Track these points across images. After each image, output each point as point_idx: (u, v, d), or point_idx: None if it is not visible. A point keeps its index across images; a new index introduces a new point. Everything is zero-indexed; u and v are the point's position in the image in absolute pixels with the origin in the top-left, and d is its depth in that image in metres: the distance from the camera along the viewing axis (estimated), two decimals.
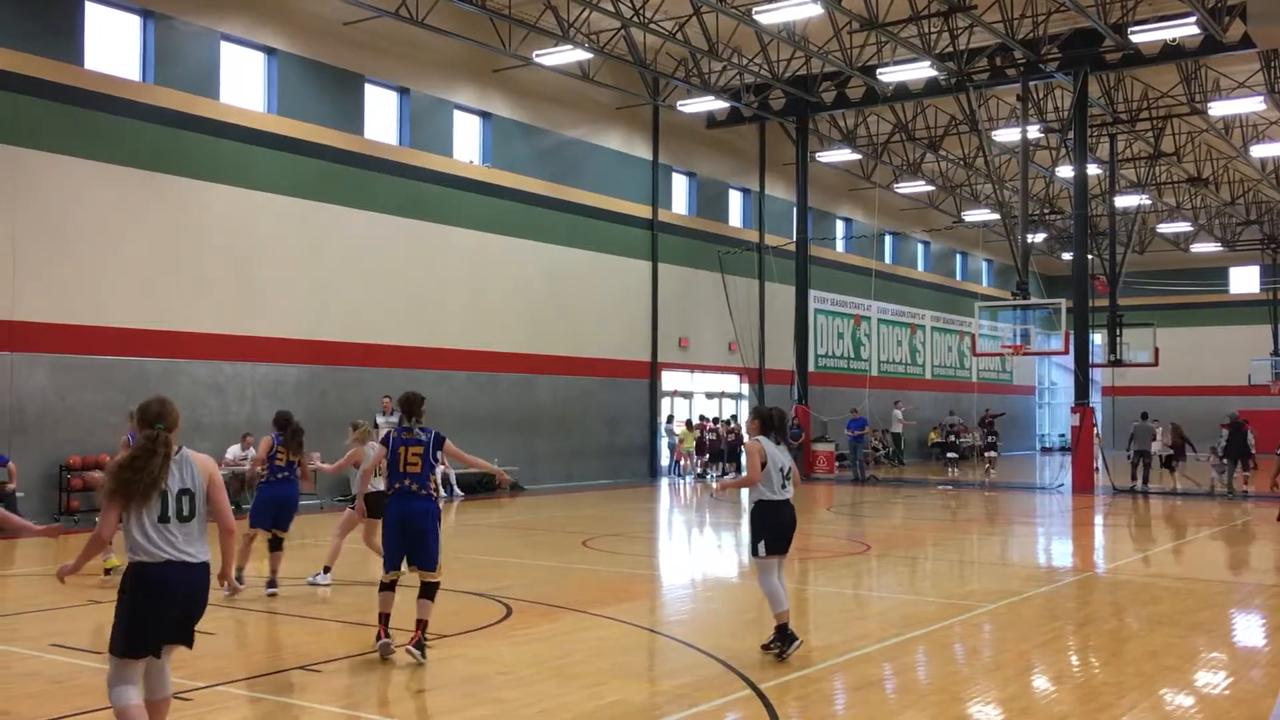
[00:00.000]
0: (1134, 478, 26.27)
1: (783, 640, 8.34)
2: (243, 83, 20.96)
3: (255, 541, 11.36)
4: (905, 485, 28.76)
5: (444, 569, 8.58)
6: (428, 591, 8.24)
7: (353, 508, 11.56)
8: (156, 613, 5.26)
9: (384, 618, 8.25)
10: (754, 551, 8.62)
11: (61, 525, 7.44)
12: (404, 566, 8.39)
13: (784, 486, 8.67)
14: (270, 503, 11.03)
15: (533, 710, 6.94)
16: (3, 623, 9.86)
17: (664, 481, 28.67)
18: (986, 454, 36.18)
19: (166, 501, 5.32)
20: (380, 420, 21.57)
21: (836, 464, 31.51)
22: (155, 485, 5.28)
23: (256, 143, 20.68)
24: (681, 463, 29.84)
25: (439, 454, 8.38)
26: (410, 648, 8.05)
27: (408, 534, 8.22)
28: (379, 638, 8.17)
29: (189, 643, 5.49)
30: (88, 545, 5.53)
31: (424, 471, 8.26)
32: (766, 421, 8.74)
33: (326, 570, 11.46)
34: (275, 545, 11.14)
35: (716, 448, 30.52)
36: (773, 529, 8.61)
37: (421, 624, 8.15)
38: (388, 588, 8.32)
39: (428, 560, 8.23)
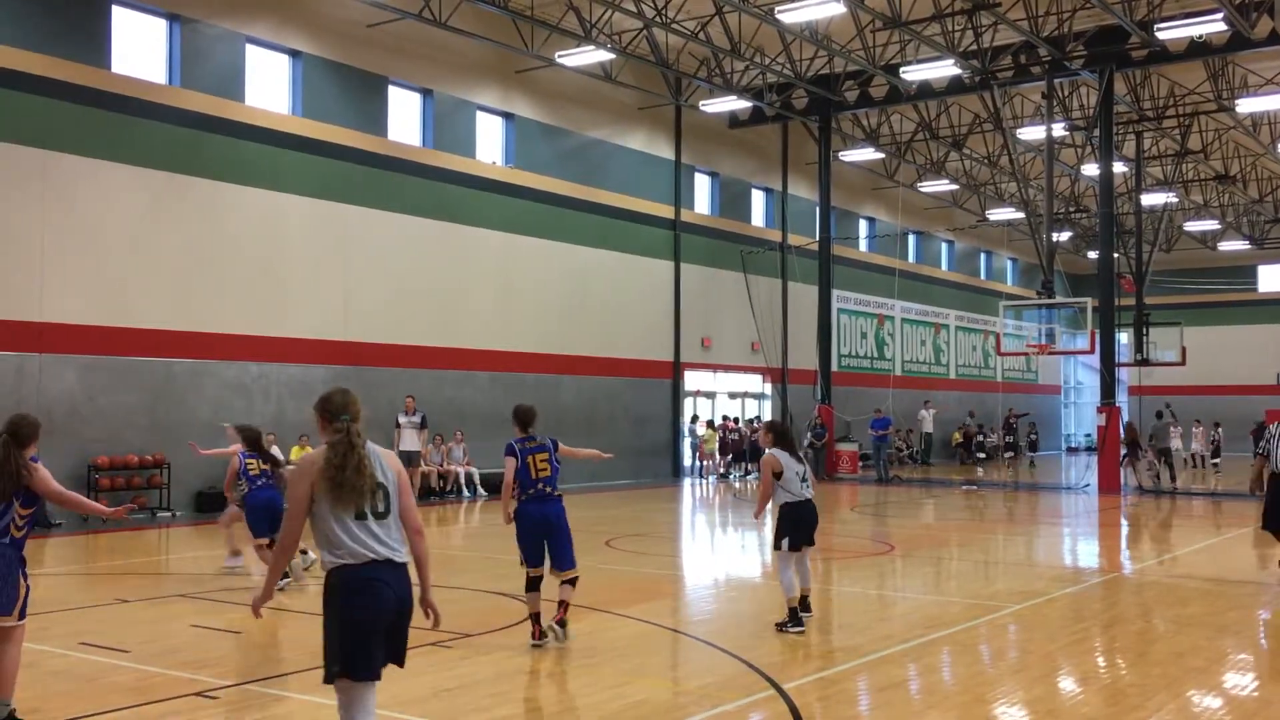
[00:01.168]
0: (1157, 478, 26.07)
1: (793, 620, 9.27)
2: (267, 85, 21.09)
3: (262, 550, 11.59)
4: (930, 485, 28.63)
5: (471, 570, 8.66)
6: (572, 583, 8.88)
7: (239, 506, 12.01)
8: (372, 618, 4.76)
9: (535, 617, 8.75)
10: (776, 546, 9.59)
11: (130, 506, 7.48)
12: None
13: (804, 488, 9.71)
14: (265, 509, 11.33)
15: (558, 710, 6.96)
16: (33, 621, 9.93)
17: (687, 482, 28.66)
18: (1005, 454, 36.12)
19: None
20: (402, 420, 21.65)
21: (860, 464, 31.42)
22: (370, 480, 4.87)
23: (281, 145, 20.81)
24: (703, 463, 29.83)
25: (556, 455, 9.03)
26: (554, 624, 8.69)
27: (549, 532, 8.83)
28: (535, 637, 8.64)
29: (400, 660, 4.94)
30: (276, 560, 5.14)
31: (554, 474, 8.93)
32: (781, 434, 9.85)
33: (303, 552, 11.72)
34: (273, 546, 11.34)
35: (739, 448, 30.49)
36: (794, 525, 9.59)
37: (564, 605, 8.76)
38: (535, 585, 8.82)
39: (568, 559, 8.86)
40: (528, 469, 8.83)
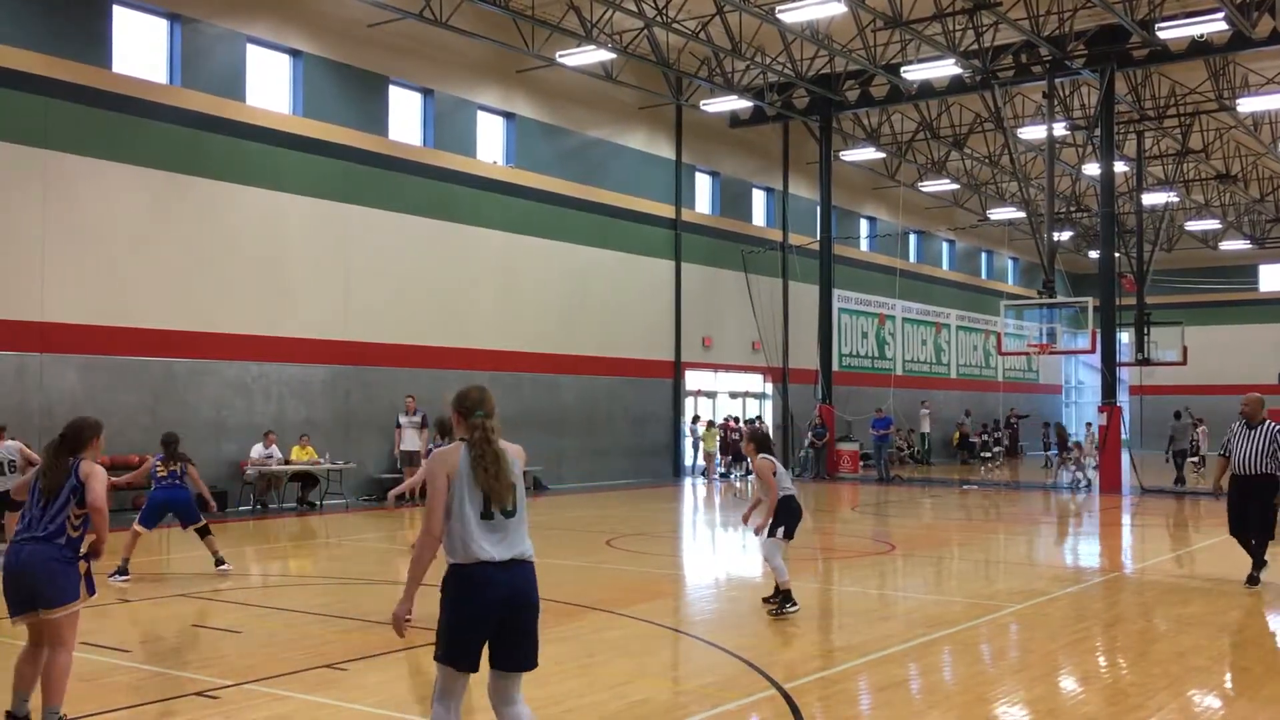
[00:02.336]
0: (1178, 481, 26.07)
1: (785, 600, 9.94)
2: (268, 85, 21.10)
3: (142, 538, 12.30)
4: (930, 485, 28.63)
5: None
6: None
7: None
8: (475, 616, 4.77)
9: None
10: (771, 533, 10.21)
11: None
12: None
13: (791, 484, 10.46)
14: (163, 505, 12.20)
15: (558, 709, 6.95)
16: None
17: (687, 481, 28.67)
18: (981, 454, 36.32)
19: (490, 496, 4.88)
20: (403, 420, 21.65)
21: (861, 464, 31.42)
22: (506, 479, 4.87)
23: (282, 145, 20.82)
24: (704, 463, 29.87)
25: None
26: None
27: None
28: None
29: (527, 662, 4.93)
30: (416, 561, 4.87)
31: None
32: (762, 441, 10.45)
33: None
34: (204, 532, 12.31)
35: (739, 447, 30.48)
36: (792, 517, 10.28)
37: None
38: None
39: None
40: None
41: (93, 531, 6.38)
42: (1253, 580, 11.78)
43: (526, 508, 4.99)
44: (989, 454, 36.81)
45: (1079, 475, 26.72)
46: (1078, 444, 28.40)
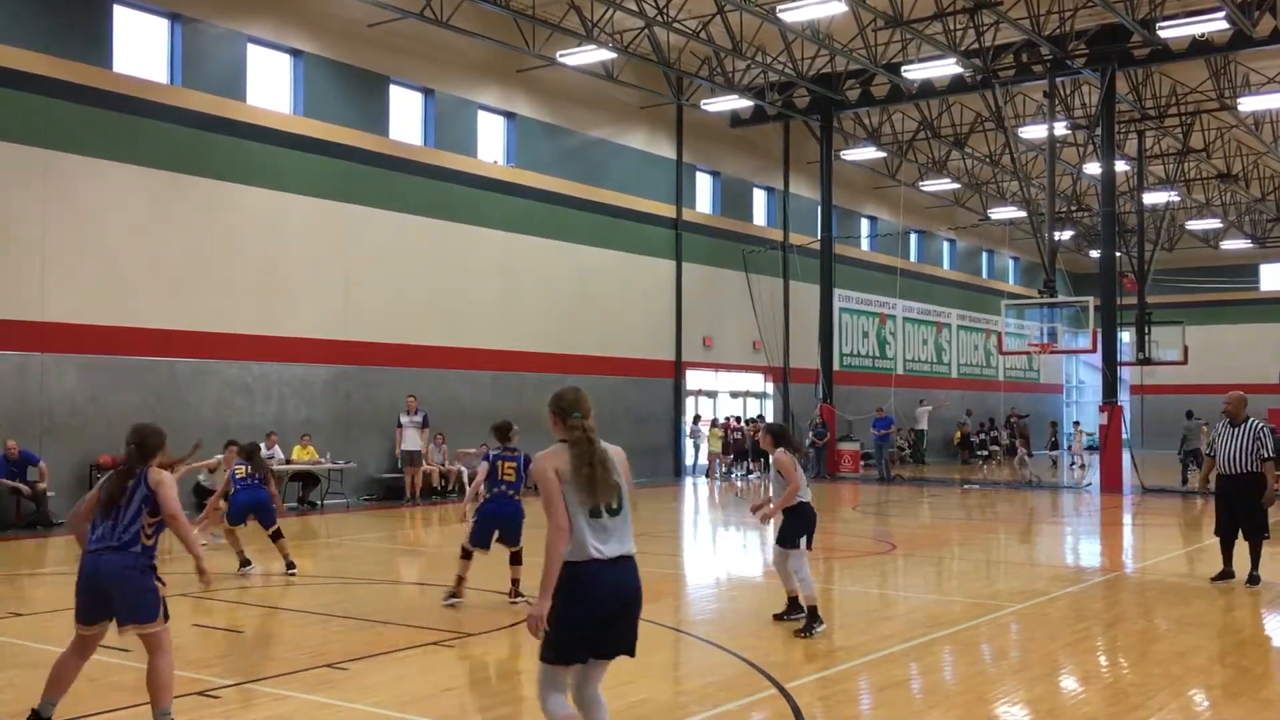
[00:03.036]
0: (1185, 480, 26.08)
1: (812, 619, 9.19)
2: (269, 85, 21.10)
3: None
4: (931, 484, 28.63)
5: (472, 570, 8.90)
6: (518, 558, 10.55)
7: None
8: (585, 615, 4.87)
9: (460, 580, 10.35)
10: (795, 545, 9.45)
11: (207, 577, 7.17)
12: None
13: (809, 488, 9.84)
14: (247, 506, 12.57)
15: None
16: (34, 622, 9.98)
17: (688, 481, 28.67)
18: (979, 453, 36.35)
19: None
20: (404, 419, 21.64)
21: (862, 463, 31.41)
22: (611, 477, 4.99)
23: (283, 144, 20.82)
24: (706, 463, 29.94)
25: (525, 469, 10.29)
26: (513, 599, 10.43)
27: (502, 524, 10.45)
28: (452, 595, 10.36)
29: (630, 649, 5.04)
30: (551, 558, 4.88)
31: (518, 481, 10.40)
32: (782, 436, 9.82)
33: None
34: (277, 535, 12.56)
35: (741, 447, 30.50)
36: (810, 525, 9.64)
37: (516, 582, 10.52)
38: (468, 555, 10.37)
39: (514, 540, 10.53)
40: (495, 472, 10.39)
41: (185, 547, 6.44)
42: (1253, 580, 11.78)
43: (630, 506, 5.10)
44: (985, 453, 36.89)
45: (1076, 471, 26.92)
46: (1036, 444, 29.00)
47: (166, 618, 6.22)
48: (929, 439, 37.64)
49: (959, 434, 39.79)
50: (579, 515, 4.90)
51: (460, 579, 10.28)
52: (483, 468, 10.52)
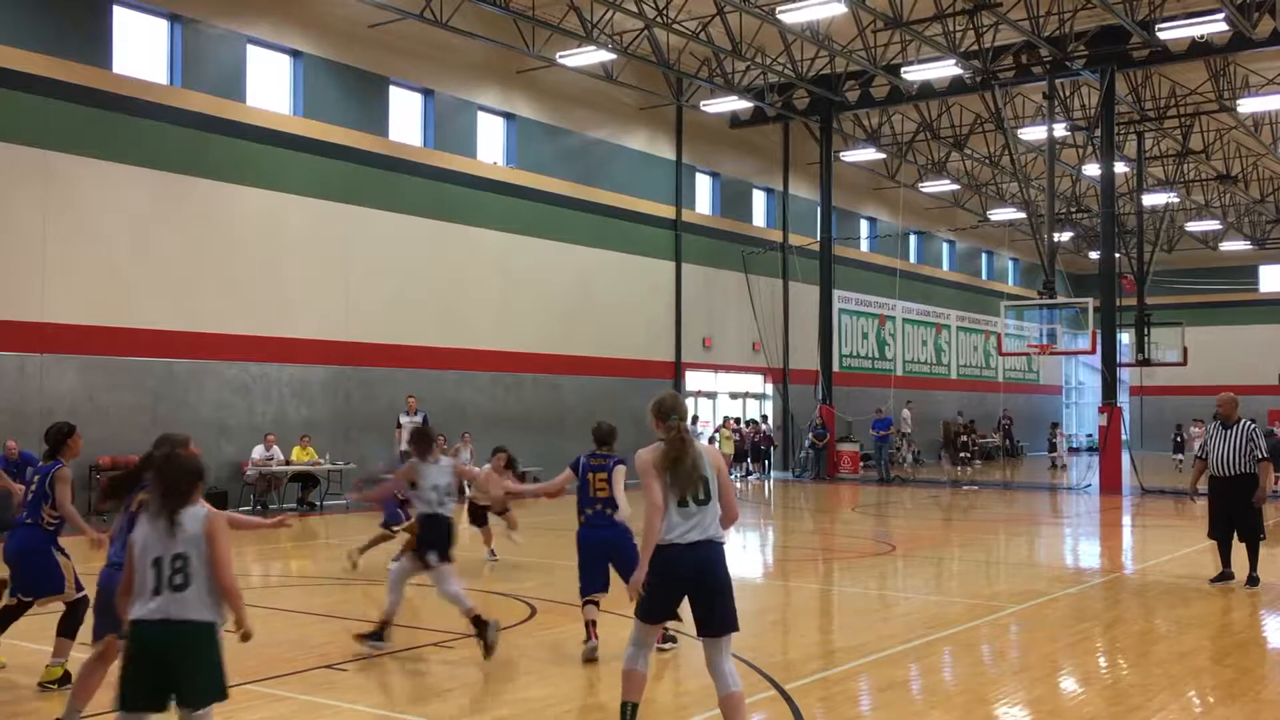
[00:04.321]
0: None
1: (481, 627, 8.17)
2: (268, 85, 21.10)
3: None
4: (931, 485, 28.63)
5: (472, 570, 8.64)
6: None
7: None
8: (666, 585, 5.66)
9: (591, 624, 8.42)
10: (426, 561, 8.55)
11: (287, 517, 7.25)
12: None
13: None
14: (393, 513, 12.89)
15: (558, 709, 6.95)
16: (34, 621, 9.96)
17: None
18: (961, 454, 36.38)
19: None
20: (404, 419, 21.61)
21: (861, 464, 31.41)
22: (698, 472, 5.64)
23: (282, 145, 20.82)
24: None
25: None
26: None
27: (613, 557, 8.40)
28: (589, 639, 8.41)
29: (714, 628, 5.66)
30: (648, 534, 5.62)
31: (611, 498, 8.44)
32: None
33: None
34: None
35: (741, 448, 30.51)
36: (443, 538, 8.65)
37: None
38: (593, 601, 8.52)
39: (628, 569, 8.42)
40: (587, 487, 8.48)
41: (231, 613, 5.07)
42: (1252, 581, 11.78)
43: (717, 498, 5.74)
44: (966, 454, 36.93)
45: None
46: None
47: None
48: (915, 441, 37.58)
49: (951, 435, 39.66)
50: (670, 502, 5.63)
51: (591, 624, 8.39)
52: (564, 476, 8.66)
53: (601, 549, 8.36)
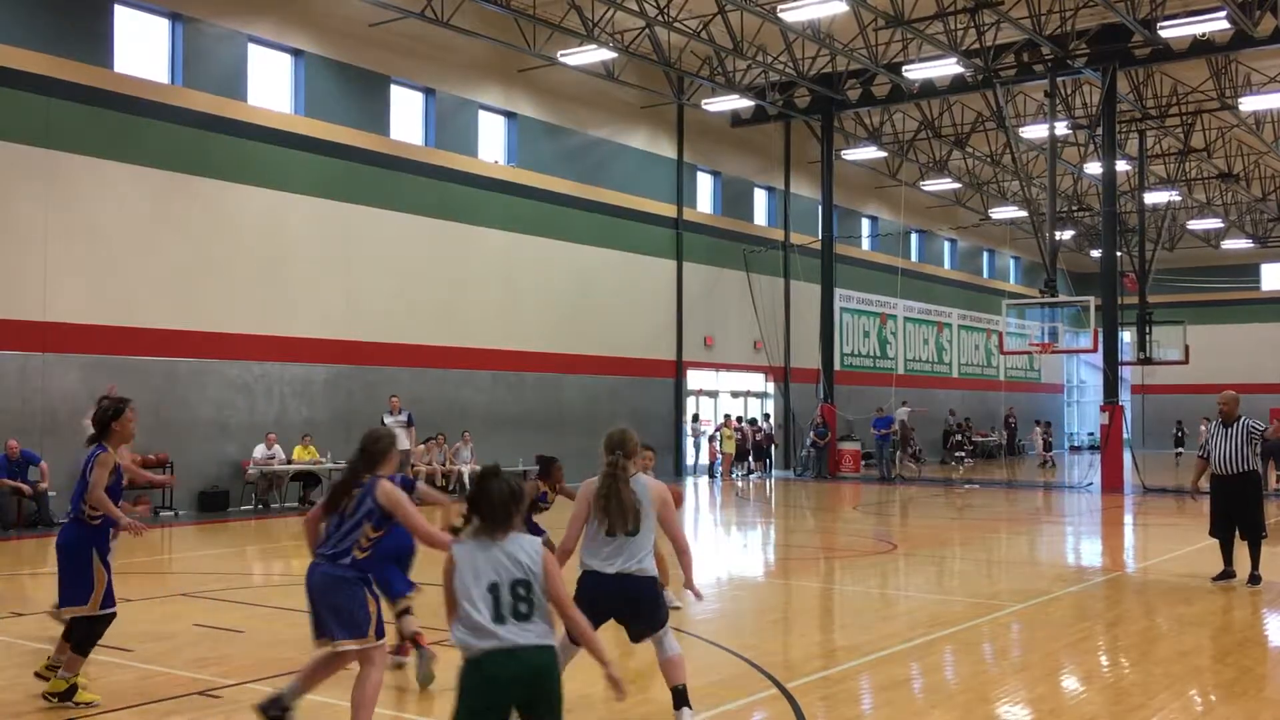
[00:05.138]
0: (916, 471, 26.30)
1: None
2: (270, 84, 21.11)
3: None
4: (932, 484, 28.62)
5: None
6: None
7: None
8: (592, 610, 5.67)
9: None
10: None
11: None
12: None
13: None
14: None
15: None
16: (35, 622, 9.97)
17: (689, 480, 28.66)
18: (956, 453, 36.39)
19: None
20: (388, 419, 21.54)
21: (862, 463, 31.41)
22: (628, 506, 6.07)
23: (284, 144, 20.82)
24: (708, 461, 30.02)
25: None
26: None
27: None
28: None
29: (635, 638, 6.37)
30: (562, 546, 6.14)
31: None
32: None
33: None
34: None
35: (743, 447, 30.50)
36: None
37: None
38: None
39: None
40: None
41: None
42: (1254, 579, 11.77)
43: (650, 531, 6.18)
44: (961, 453, 36.85)
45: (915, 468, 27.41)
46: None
47: (380, 635, 5.85)
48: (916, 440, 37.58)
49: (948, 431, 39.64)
50: (600, 531, 6.09)
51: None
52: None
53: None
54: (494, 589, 4.35)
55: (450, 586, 4.43)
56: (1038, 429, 39.12)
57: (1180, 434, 36.93)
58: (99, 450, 6.95)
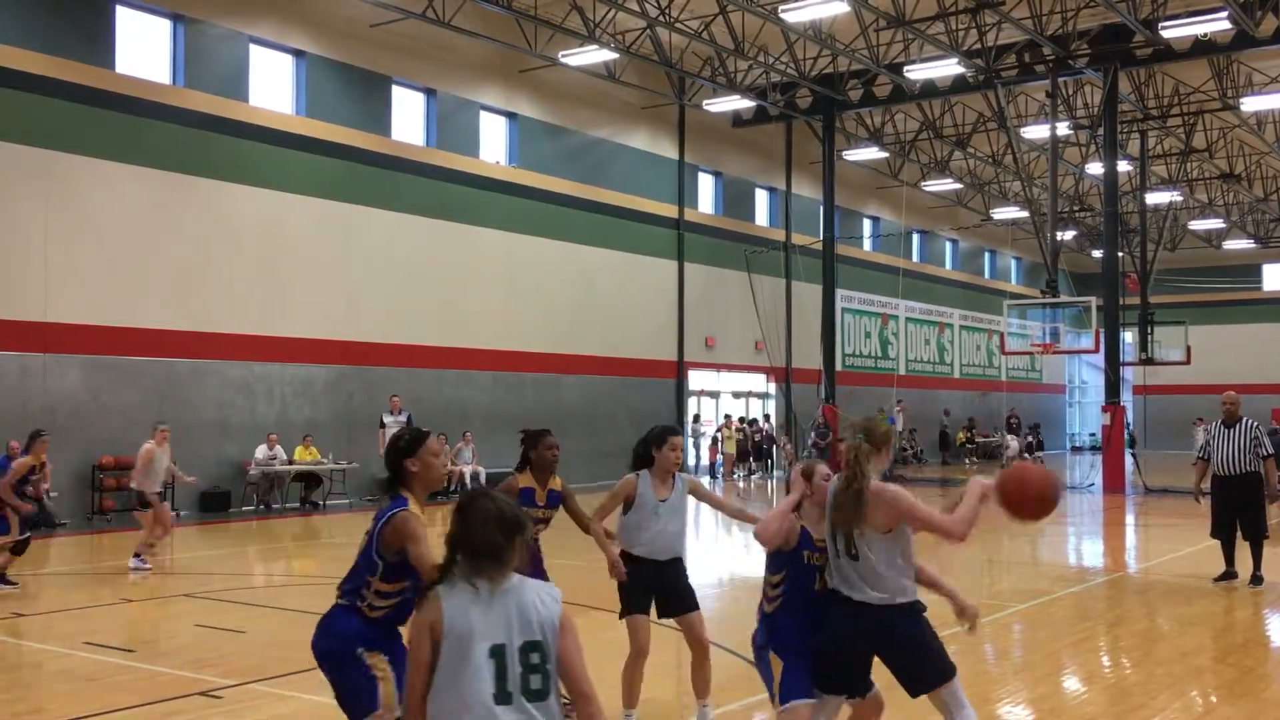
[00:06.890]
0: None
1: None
2: (271, 85, 21.11)
3: None
4: (933, 484, 28.60)
5: None
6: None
7: None
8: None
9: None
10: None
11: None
12: None
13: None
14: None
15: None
16: (38, 621, 9.98)
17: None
18: (965, 457, 36.41)
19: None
20: (387, 419, 21.51)
21: None
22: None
23: (285, 145, 20.82)
24: (711, 462, 30.02)
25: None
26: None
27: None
28: None
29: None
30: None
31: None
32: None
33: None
34: None
35: (744, 448, 30.51)
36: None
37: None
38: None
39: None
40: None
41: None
42: (1256, 580, 11.76)
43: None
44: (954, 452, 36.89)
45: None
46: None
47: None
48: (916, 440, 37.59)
49: (962, 435, 39.67)
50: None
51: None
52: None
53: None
54: (498, 654, 3.15)
55: (421, 651, 3.18)
56: (1011, 436, 37.76)
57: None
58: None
